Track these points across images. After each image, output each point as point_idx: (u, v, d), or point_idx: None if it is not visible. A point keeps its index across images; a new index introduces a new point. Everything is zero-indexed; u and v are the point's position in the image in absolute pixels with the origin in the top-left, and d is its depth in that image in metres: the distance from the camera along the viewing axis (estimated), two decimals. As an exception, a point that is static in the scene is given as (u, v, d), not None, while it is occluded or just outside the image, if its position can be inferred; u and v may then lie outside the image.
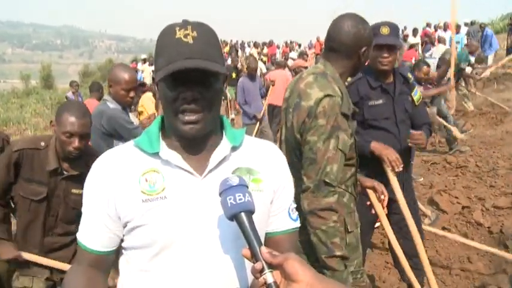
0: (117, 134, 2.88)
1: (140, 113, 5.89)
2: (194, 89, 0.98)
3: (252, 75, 6.72)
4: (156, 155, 1.04)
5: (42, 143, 2.13)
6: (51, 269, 2.23)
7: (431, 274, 2.46)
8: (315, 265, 1.68)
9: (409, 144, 2.57)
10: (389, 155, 2.37)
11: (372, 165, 2.47)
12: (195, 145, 1.06)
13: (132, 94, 2.96)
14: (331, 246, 1.63)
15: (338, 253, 1.64)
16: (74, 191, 2.18)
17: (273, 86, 7.02)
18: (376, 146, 2.43)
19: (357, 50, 1.79)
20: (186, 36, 0.98)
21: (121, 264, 1.12)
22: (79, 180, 2.16)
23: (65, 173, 2.15)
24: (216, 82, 1.02)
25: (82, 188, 2.19)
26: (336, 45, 1.82)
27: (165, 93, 1.01)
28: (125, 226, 1.05)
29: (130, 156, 1.06)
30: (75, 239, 1.12)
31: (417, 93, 2.67)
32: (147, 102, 6.17)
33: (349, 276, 1.76)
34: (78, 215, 2.16)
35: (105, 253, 1.08)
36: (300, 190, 1.66)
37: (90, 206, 1.08)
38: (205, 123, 1.02)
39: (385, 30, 2.48)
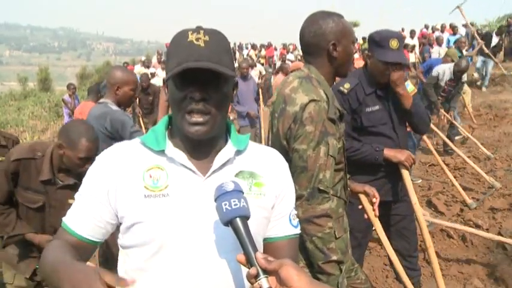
0: (119, 136, 2.88)
1: None
2: (203, 90, 0.99)
3: (243, 75, 6.58)
4: (161, 152, 1.06)
5: (39, 153, 2.17)
6: (34, 270, 2.26)
7: (439, 272, 2.49)
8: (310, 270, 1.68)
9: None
10: (407, 159, 2.47)
11: (370, 170, 2.51)
12: (200, 147, 1.07)
13: (135, 93, 3.08)
14: (328, 252, 1.63)
15: (334, 257, 1.64)
16: (71, 201, 2.17)
17: None
18: (390, 154, 2.47)
19: (324, 47, 1.74)
20: (197, 39, 0.99)
21: (119, 264, 1.11)
22: (75, 190, 2.18)
23: (60, 182, 2.18)
24: (225, 85, 1.02)
25: None
26: (305, 48, 1.80)
27: (173, 93, 1.02)
28: (122, 221, 1.04)
29: (135, 152, 1.07)
30: None
31: (409, 85, 2.63)
32: None
33: (344, 279, 1.75)
34: None
35: (87, 241, 1.07)
36: None
37: (87, 193, 1.07)
38: (211, 125, 1.02)
39: (394, 44, 2.38)
